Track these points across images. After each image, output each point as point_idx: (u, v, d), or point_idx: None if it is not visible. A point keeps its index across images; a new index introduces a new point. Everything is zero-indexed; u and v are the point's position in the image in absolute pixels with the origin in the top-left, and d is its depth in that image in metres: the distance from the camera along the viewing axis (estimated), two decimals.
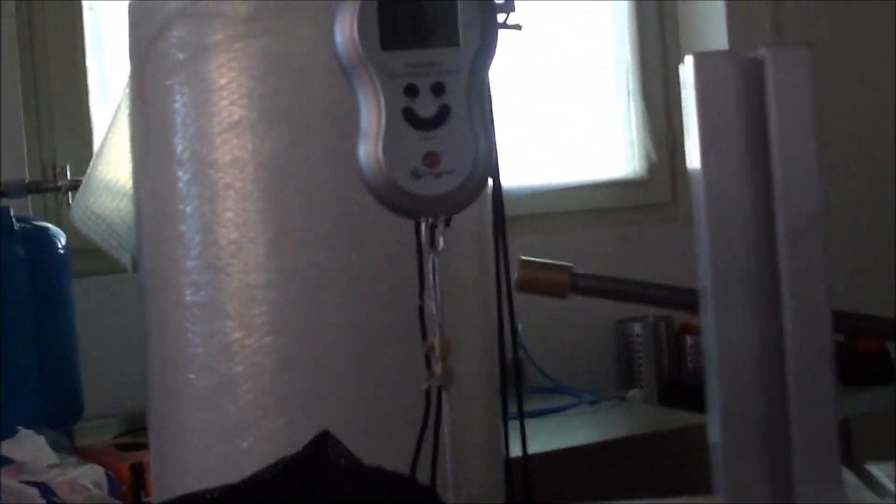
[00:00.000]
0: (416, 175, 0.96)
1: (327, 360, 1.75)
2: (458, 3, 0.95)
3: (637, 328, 2.92)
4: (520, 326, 2.96)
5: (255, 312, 1.79)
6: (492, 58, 0.97)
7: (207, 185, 1.81)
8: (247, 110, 1.80)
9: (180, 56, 1.84)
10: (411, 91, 0.97)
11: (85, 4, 2.68)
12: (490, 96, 0.97)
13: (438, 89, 0.97)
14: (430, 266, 0.98)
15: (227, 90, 1.78)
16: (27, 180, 2.44)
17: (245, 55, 1.79)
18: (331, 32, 0.96)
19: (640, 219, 3.07)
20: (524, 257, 1.38)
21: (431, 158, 0.97)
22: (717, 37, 3.15)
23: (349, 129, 1.76)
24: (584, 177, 3.02)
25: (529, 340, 2.69)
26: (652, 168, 3.07)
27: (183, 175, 1.83)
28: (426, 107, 0.96)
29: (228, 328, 1.81)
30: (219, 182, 1.80)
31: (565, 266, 1.40)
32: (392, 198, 0.96)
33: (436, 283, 0.99)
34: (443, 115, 0.97)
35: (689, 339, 2.94)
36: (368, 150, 0.97)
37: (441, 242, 0.98)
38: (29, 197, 2.48)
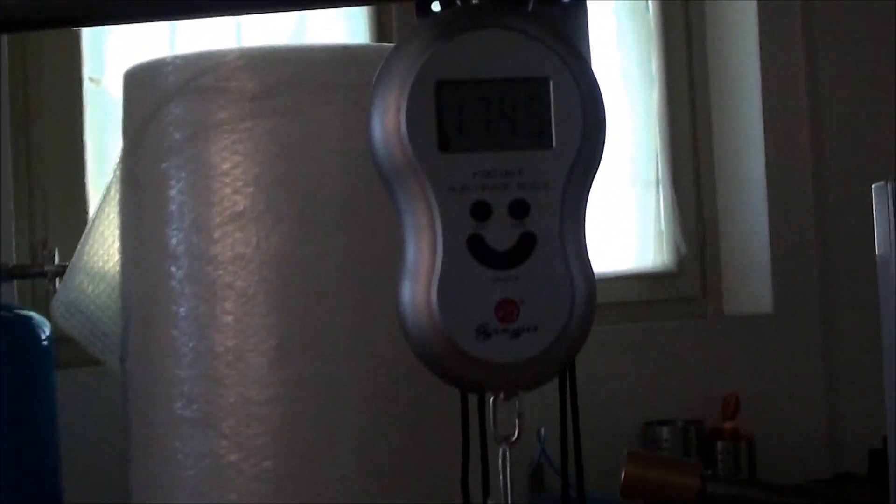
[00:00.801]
0: (484, 332, 0.62)
1: (338, 492, 1.41)
2: (552, 86, 0.61)
3: (665, 432, 2.59)
4: (542, 430, 2.65)
5: (253, 432, 1.46)
6: (598, 165, 0.64)
7: (204, 284, 1.49)
8: (252, 200, 1.49)
9: (178, 136, 1.51)
10: (481, 211, 0.63)
11: (85, 75, 2.35)
12: (585, 219, 0.63)
13: (520, 210, 0.63)
14: (501, 461, 0.64)
15: (230, 176, 1.47)
16: (12, 264, 2.11)
17: (251, 137, 1.48)
18: (367, 122, 0.62)
19: (668, 313, 2.75)
20: (632, 450, 1.01)
21: (507, 309, 0.62)
22: (751, 122, 2.82)
23: (367, 224, 1.50)
24: (610, 268, 2.70)
25: (551, 444, 2.36)
26: (681, 260, 2.74)
27: (177, 271, 1.51)
28: (502, 235, 0.62)
29: (223, 449, 1.48)
30: (217, 281, 1.48)
31: (692, 464, 1.04)
32: (449, 363, 0.62)
33: (507, 482, 0.65)
34: (526, 246, 0.62)
35: (720, 445, 2.61)
36: (416, 294, 0.63)
37: (517, 429, 0.63)
38: (15, 282, 2.15)
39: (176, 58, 1.57)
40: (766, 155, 2.79)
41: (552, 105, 0.63)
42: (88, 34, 2.35)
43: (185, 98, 1.53)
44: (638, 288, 2.77)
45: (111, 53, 2.39)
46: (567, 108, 0.63)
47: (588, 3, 0.74)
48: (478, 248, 0.63)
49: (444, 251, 0.62)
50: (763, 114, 2.76)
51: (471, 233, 0.63)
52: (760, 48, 2.78)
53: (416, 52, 0.63)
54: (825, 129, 2.76)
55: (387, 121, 0.63)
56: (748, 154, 2.82)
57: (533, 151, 0.63)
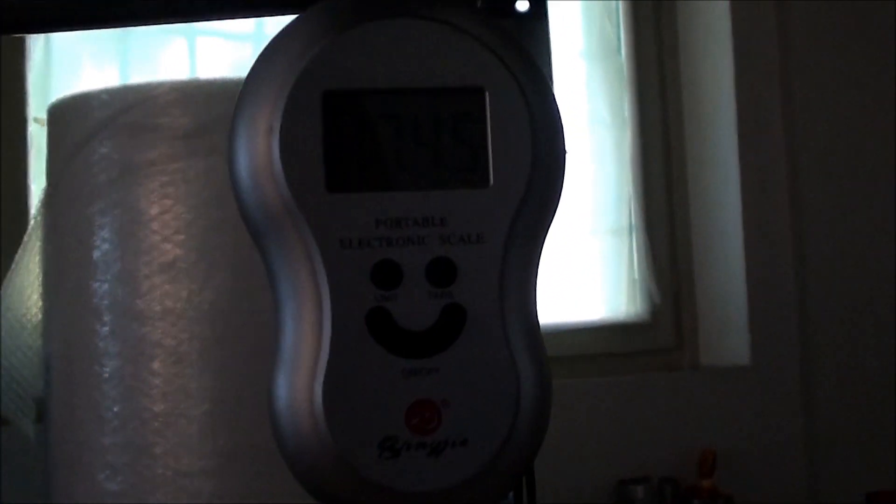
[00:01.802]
0: (391, 449, 0.41)
1: None
2: (489, 100, 0.41)
3: (640, 491, 2.39)
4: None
5: None
6: (554, 211, 0.43)
7: (130, 342, 1.28)
8: (184, 249, 1.28)
9: (103, 178, 1.30)
10: (387, 275, 0.42)
11: (30, 116, 2.15)
12: (537, 285, 0.43)
13: (443, 273, 0.42)
14: None
15: (160, 222, 1.25)
16: None
17: (183, 179, 1.27)
18: (228, 150, 0.42)
19: (641, 366, 2.55)
20: None
21: (425, 415, 0.42)
22: (728, 167, 2.65)
23: None
24: (580, 318, 2.50)
25: None
26: (655, 310, 2.56)
27: (101, 328, 1.30)
28: (417, 309, 0.42)
29: None
30: (145, 338, 1.27)
31: None
32: (340, 491, 0.41)
33: None
34: (451, 325, 0.42)
35: None
36: (294, 393, 0.42)
37: None
38: None
39: (102, 91, 1.36)
40: (743, 201, 2.62)
41: (489, 126, 0.43)
42: (33, 73, 2.16)
43: (111, 136, 1.32)
44: (609, 339, 2.59)
45: (58, 93, 2.19)
46: (511, 132, 0.43)
47: (550, 25, 0.55)
48: (382, 327, 0.42)
49: (334, 332, 0.41)
50: (739, 159, 2.59)
51: (372, 306, 0.42)
52: (736, 90, 2.62)
53: (296, 51, 0.42)
54: (804, 177, 2.60)
55: (254, 149, 0.42)
56: (724, 200, 2.64)
57: (462, 191, 0.43)
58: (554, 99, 0.43)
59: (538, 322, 0.43)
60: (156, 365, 1.30)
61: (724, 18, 2.56)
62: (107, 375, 1.32)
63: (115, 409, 1.33)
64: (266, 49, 0.43)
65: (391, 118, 0.42)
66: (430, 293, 0.42)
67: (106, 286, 1.34)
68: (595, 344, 2.52)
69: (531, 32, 0.56)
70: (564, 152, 0.44)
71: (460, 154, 0.42)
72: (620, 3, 2.59)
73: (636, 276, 2.59)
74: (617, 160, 2.61)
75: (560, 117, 0.43)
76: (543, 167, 0.42)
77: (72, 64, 2.21)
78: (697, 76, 2.69)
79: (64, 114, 1.40)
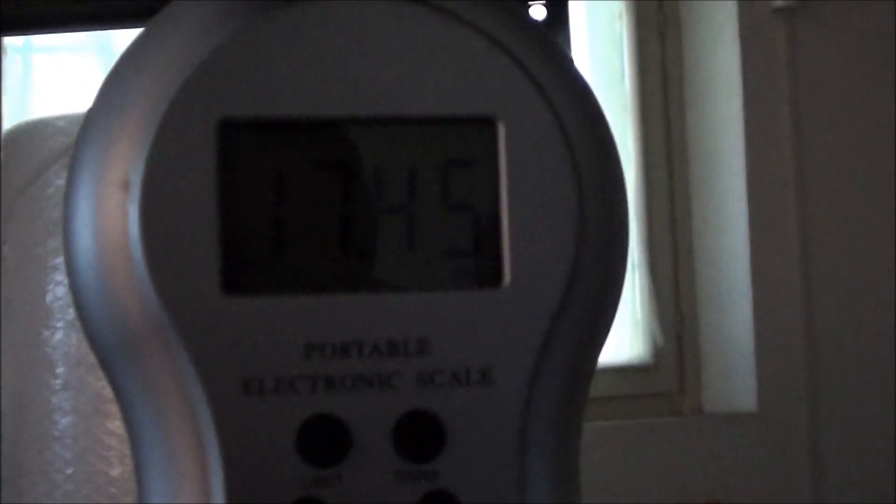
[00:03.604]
0: None
1: None
2: (504, 138, 0.22)
3: None
4: None
5: None
6: (612, 319, 0.24)
7: (85, 397, 1.10)
8: None
9: (58, 213, 1.13)
10: (324, 442, 0.22)
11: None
12: (578, 456, 0.23)
13: (423, 441, 0.22)
14: None
15: None
16: None
17: None
18: (63, 223, 0.23)
19: (642, 410, 2.37)
20: None
21: None
22: (734, 206, 2.48)
23: None
24: None
25: None
26: (658, 352, 2.38)
27: (53, 380, 1.12)
28: (377, 499, 0.21)
29: None
30: (102, 393, 1.09)
31: None
32: None
33: None
34: None
35: None
36: None
37: None
38: None
39: (59, 118, 1.17)
40: (751, 241, 2.45)
41: (504, 183, 0.24)
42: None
43: (67, 167, 1.14)
44: (610, 382, 2.40)
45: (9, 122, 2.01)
46: (541, 193, 0.24)
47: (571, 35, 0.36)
48: None
49: None
50: (747, 197, 2.41)
51: (298, 496, 0.23)
52: (745, 124, 2.44)
53: (172, 55, 0.23)
54: (813, 217, 2.43)
55: (100, 220, 0.23)
56: (731, 240, 2.47)
57: (456, 295, 0.24)
58: (612, 139, 0.25)
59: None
60: (113, 424, 1.11)
61: (732, 46, 2.39)
62: (58, 434, 1.13)
63: (68, 472, 1.14)
64: (125, 54, 0.24)
65: (336, 166, 0.23)
66: (400, 473, 0.23)
67: (59, 334, 1.15)
68: (594, 387, 2.33)
69: (547, 24, 0.38)
70: (627, 226, 0.25)
71: (453, 230, 0.23)
72: (625, 32, 2.42)
73: (638, 316, 2.42)
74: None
75: (621, 169, 0.25)
76: (595, 253, 0.23)
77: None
78: (703, 108, 2.53)
79: (17, 142, 1.21)
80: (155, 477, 0.23)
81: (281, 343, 0.23)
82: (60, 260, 1.15)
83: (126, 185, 0.23)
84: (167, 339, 0.23)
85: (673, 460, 2.34)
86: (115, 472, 1.15)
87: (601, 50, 2.36)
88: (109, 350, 0.24)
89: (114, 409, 1.15)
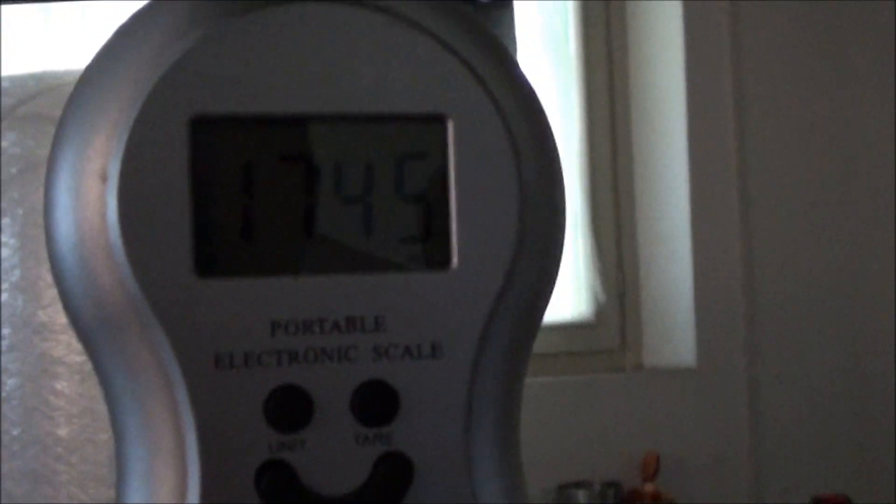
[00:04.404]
0: None
1: None
2: (452, 133, 0.24)
3: (581, 496, 2.25)
4: None
5: None
6: (549, 297, 0.27)
7: (31, 358, 1.12)
8: None
9: (2, 174, 1.14)
10: (290, 410, 0.24)
11: None
12: (518, 420, 0.26)
13: (379, 405, 0.25)
14: None
15: None
16: None
17: None
18: (45, 212, 0.26)
19: (584, 366, 2.40)
20: None
21: None
22: (676, 166, 2.51)
23: None
24: None
25: None
26: (599, 310, 2.41)
27: (0, 343, 1.14)
28: (337, 461, 0.24)
29: None
30: (48, 354, 1.11)
31: None
32: None
33: None
34: (389, 486, 0.24)
35: None
36: None
37: None
38: None
39: (5, 79, 1.18)
40: (691, 201, 2.48)
41: (452, 175, 0.26)
42: None
43: (11, 127, 1.14)
44: (553, 339, 2.43)
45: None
46: (486, 184, 0.26)
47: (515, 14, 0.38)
48: (281, 491, 0.25)
49: (204, 494, 0.25)
50: (688, 159, 2.45)
51: (265, 458, 0.25)
52: (687, 91, 2.48)
53: (149, 53, 0.25)
54: (753, 178, 2.47)
55: (79, 208, 0.25)
56: (672, 200, 2.51)
57: (408, 277, 0.26)
58: (551, 133, 0.27)
59: (522, 475, 0.27)
60: (60, 384, 1.13)
61: (675, 10, 2.42)
62: (5, 395, 1.15)
63: (14, 433, 1.16)
64: (101, 52, 0.26)
65: (300, 160, 0.26)
66: (358, 437, 0.25)
67: (5, 296, 1.17)
68: (538, 343, 2.37)
69: (493, 23, 0.40)
70: (564, 213, 0.27)
71: (406, 218, 0.26)
72: (570, 2, 2.44)
73: (581, 275, 2.45)
74: (563, 157, 2.45)
75: (560, 160, 0.27)
76: (535, 238, 0.26)
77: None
78: (647, 73, 2.56)
79: None
80: (134, 446, 0.26)
81: (249, 321, 0.25)
82: (6, 221, 1.16)
83: (105, 177, 0.25)
84: (144, 319, 0.25)
85: (614, 415, 2.38)
86: (61, 433, 1.16)
87: (546, 14, 2.38)
88: (90, 329, 0.26)
89: (61, 370, 1.16)
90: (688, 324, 2.40)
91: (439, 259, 0.26)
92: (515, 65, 0.27)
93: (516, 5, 0.46)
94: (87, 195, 0.25)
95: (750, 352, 2.40)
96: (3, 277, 1.16)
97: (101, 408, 1.10)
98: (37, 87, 1.16)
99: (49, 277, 1.14)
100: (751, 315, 2.41)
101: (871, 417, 2.33)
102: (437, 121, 0.26)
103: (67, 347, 1.14)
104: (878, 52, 2.36)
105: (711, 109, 2.36)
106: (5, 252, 1.14)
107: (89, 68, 0.26)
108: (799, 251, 2.41)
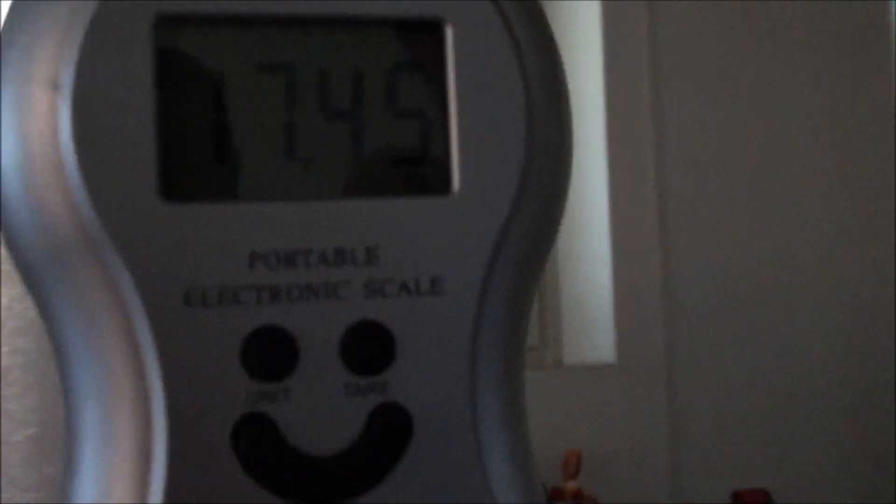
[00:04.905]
0: None
1: None
2: (451, 40, 0.21)
3: None
4: None
5: None
6: (557, 226, 0.24)
7: None
8: (4, 248, 1.06)
9: None
10: (270, 355, 0.21)
11: None
12: (524, 363, 0.23)
13: (372, 349, 0.21)
14: None
15: None
16: None
17: None
18: None
19: None
20: None
21: None
22: (595, 164, 2.50)
23: None
24: None
25: None
26: None
27: None
28: (324, 414, 0.21)
29: None
30: None
31: None
32: None
33: None
34: (385, 443, 0.21)
35: None
36: None
37: None
38: None
39: None
40: (609, 198, 2.47)
41: (452, 88, 0.23)
42: None
43: None
44: None
45: None
46: (490, 98, 0.23)
47: None
48: (261, 449, 0.22)
49: (172, 459, 0.21)
50: (607, 155, 2.43)
51: (243, 412, 0.22)
52: (606, 88, 2.46)
53: None
54: (671, 175, 2.46)
55: (25, 121, 0.21)
56: (591, 195, 2.49)
57: (404, 202, 0.23)
58: (557, 47, 0.24)
59: (529, 431, 0.24)
60: None
61: (594, 19, 2.41)
62: None
63: None
64: None
65: (280, 70, 0.22)
66: (349, 386, 0.22)
67: None
68: None
69: None
70: (572, 135, 0.24)
71: (401, 136, 0.22)
72: None
73: None
74: None
75: (566, 77, 0.24)
76: (543, 159, 0.23)
77: None
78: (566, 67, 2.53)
79: None
80: (87, 399, 0.22)
81: (224, 252, 0.22)
82: None
83: (56, 85, 0.21)
84: (101, 249, 0.21)
85: (536, 413, 2.36)
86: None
87: None
88: (36, 262, 0.22)
89: None
90: (607, 320, 2.38)
91: (438, 183, 0.23)
92: None
93: None
94: (35, 107, 0.21)
95: (669, 347, 2.40)
96: None
97: (15, 406, 1.04)
98: None
99: None
100: (670, 311, 2.41)
101: (790, 412, 2.34)
102: (435, 26, 0.23)
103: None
104: (797, 49, 2.38)
105: (630, 106, 2.35)
106: None
107: None
108: (717, 248, 2.41)
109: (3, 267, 1.10)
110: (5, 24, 0.22)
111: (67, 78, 0.21)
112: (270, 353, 0.22)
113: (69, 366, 0.22)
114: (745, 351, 2.44)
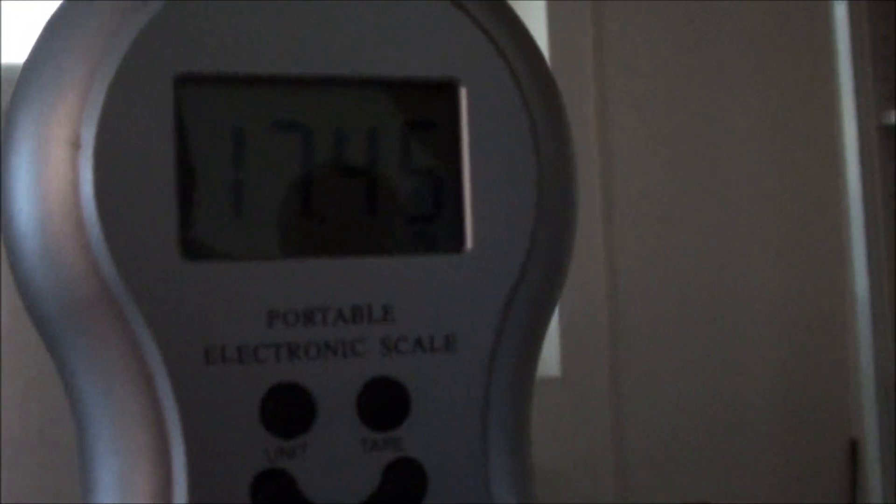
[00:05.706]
0: None
1: None
2: (465, 101, 0.21)
3: None
4: None
5: None
6: (564, 281, 0.24)
7: None
8: None
9: None
10: (289, 412, 0.21)
11: None
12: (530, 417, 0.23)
13: (387, 407, 0.22)
14: None
15: None
16: None
17: None
18: (2, 187, 0.22)
19: None
20: None
21: None
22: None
23: None
24: None
25: None
26: None
27: None
28: (341, 469, 0.21)
29: None
30: None
31: None
32: None
33: None
34: (400, 496, 0.21)
35: None
36: None
37: None
38: None
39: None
40: None
41: (466, 148, 0.23)
42: None
43: None
44: None
45: None
46: (503, 157, 0.23)
47: None
48: (280, 501, 0.22)
49: (190, 476, 0.21)
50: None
51: (262, 468, 0.22)
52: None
53: (126, 3, 0.22)
54: (616, 186, 2.49)
55: (45, 180, 0.21)
56: None
57: (418, 260, 0.23)
58: (564, 107, 0.24)
59: (534, 475, 0.24)
60: None
61: (539, 20, 2.42)
62: None
63: None
64: (64, 6, 0.22)
65: (296, 129, 0.22)
66: (365, 442, 0.22)
67: None
68: None
69: None
70: (579, 194, 0.25)
71: (416, 193, 0.23)
72: None
73: None
74: None
75: (572, 137, 0.25)
76: (553, 218, 0.23)
77: None
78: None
79: None
80: (106, 454, 0.22)
81: (243, 310, 0.22)
82: None
83: (77, 143, 0.21)
84: (121, 307, 0.21)
85: None
86: None
87: None
88: (53, 319, 0.22)
89: None
90: (552, 334, 2.40)
91: (452, 241, 0.23)
92: (527, 31, 0.24)
93: None
94: (56, 164, 0.21)
95: (611, 362, 2.42)
96: None
97: None
98: None
99: None
100: (614, 325, 2.43)
101: (732, 425, 2.36)
102: (449, 87, 0.23)
103: None
104: (741, 51, 2.40)
105: (575, 113, 2.36)
106: None
107: (56, 17, 0.22)
108: (662, 264, 2.43)
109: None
110: (21, 80, 0.22)
111: (89, 136, 0.21)
112: (289, 410, 0.22)
113: (87, 420, 0.22)
114: (688, 366, 2.47)
